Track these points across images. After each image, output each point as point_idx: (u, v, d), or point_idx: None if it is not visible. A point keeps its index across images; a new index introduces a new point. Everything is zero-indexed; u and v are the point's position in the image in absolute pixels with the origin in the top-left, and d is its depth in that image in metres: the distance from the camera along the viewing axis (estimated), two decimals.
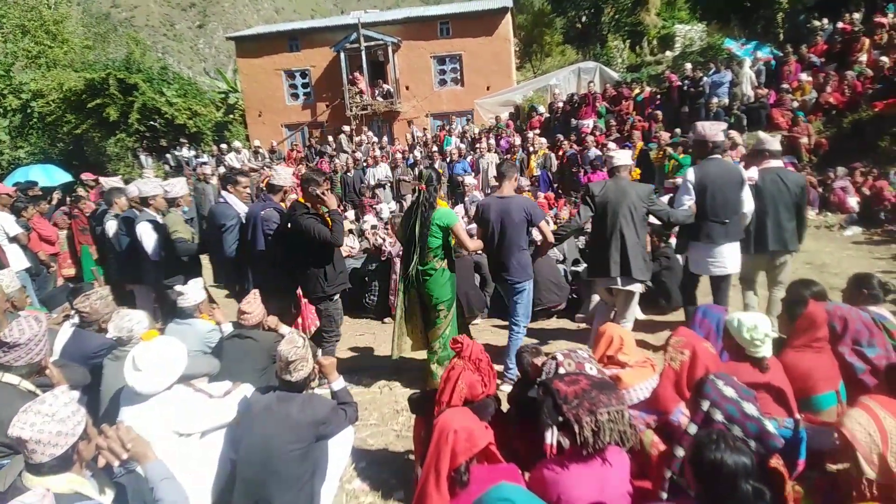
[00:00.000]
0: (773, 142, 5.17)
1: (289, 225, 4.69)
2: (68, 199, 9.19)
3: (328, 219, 4.56)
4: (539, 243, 5.08)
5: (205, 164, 15.90)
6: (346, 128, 17.81)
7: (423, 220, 4.45)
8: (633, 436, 2.38)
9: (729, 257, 4.86)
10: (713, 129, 4.97)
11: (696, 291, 5.27)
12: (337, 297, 4.87)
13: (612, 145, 10.66)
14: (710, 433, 2.10)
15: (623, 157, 4.98)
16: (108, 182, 7.25)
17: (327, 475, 3.01)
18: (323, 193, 4.53)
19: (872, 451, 2.12)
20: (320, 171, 5.31)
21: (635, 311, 5.06)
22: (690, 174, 4.88)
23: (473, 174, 12.71)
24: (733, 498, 1.95)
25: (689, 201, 4.83)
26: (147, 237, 5.40)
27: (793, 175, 5.22)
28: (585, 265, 6.27)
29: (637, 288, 4.78)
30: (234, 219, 4.99)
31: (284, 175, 5.20)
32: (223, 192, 5.14)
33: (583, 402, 2.34)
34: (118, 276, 6.22)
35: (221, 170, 14.36)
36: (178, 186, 5.63)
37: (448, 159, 13.40)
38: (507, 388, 4.26)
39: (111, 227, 6.16)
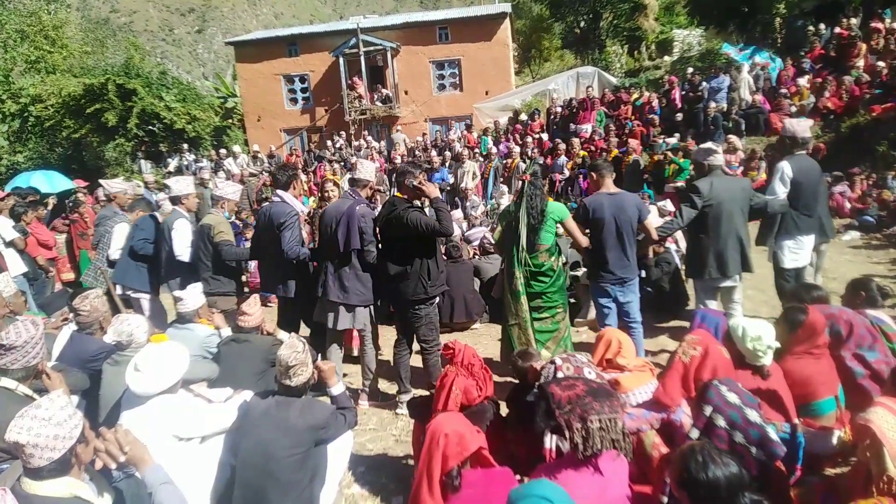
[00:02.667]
0: (804, 130, 5.12)
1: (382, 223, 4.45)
2: (68, 203, 9.18)
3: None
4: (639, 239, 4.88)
5: (203, 168, 15.92)
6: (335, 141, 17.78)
7: (532, 212, 4.36)
8: (626, 444, 2.36)
9: (808, 249, 5.03)
10: (802, 126, 5.01)
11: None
12: (437, 300, 4.55)
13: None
14: (693, 451, 2.05)
15: (720, 156, 4.87)
16: (109, 185, 7.05)
17: (326, 480, 3.00)
18: (420, 183, 4.36)
19: None
20: (415, 164, 5.15)
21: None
22: (788, 167, 4.85)
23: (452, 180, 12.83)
24: None
25: (783, 192, 4.85)
26: (181, 236, 5.13)
27: (814, 163, 5.24)
28: (584, 269, 6.26)
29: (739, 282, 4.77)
30: (294, 216, 4.68)
31: (369, 168, 4.80)
32: (278, 192, 4.80)
33: (575, 408, 2.34)
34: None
35: (222, 174, 14.34)
36: (183, 184, 5.43)
37: (429, 166, 13.43)
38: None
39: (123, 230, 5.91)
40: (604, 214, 4.49)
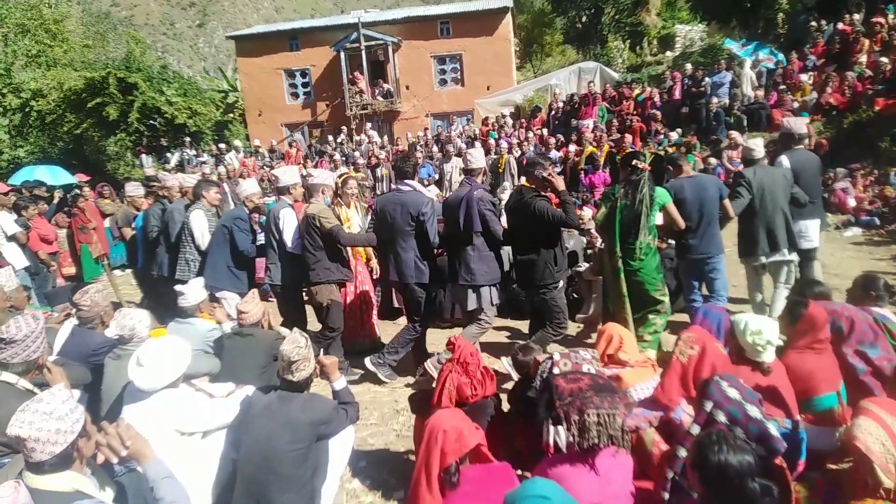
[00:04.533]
0: (800, 125, 5.67)
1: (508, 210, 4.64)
2: (69, 197, 9.19)
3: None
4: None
5: (204, 163, 15.91)
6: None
7: (649, 200, 4.52)
8: (625, 441, 2.37)
9: (813, 231, 5.42)
10: (798, 123, 5.57)
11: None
12: (562, 283, 4.82)
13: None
14: (710, 435, 2.09)
15: (762, 150, 5.32)
16: (186, 178, 6.61)
17: (328, 474, 3.00)
18: (550, 175, 4.52)
19: (888, 461, 2.11)
20: (545, 155, 5.30)
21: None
22: (786, 161, 5.34)
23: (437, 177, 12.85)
24: (741, 498, 1.94)
25: None
26: (291, 227, 4.99)
27: (812, 156, 5.76)
28: (586, 265, 6.25)
29: (795, 257, 5.21)
30: (433, 206, 4.77)
31: (480, 157, 4.97)
32: (406, 181, 4.82)
33: (575, 400, 2.36)
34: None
35: (221, 169, 14.31)
36: (290, 175, 5.30)
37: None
38: None
39: (199, 220, 5.45)
40: (686, 195, 4.86)
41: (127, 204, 7.47)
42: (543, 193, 4.61)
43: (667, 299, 4.74)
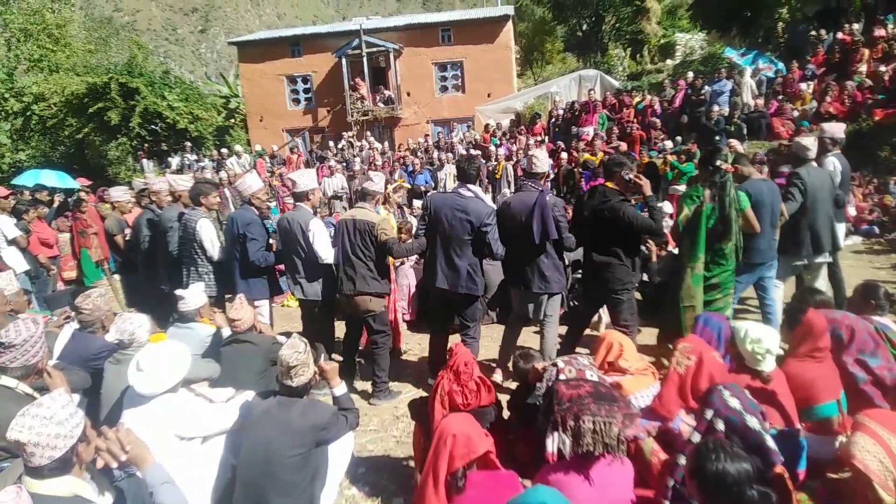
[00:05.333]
0: (838, 131, 5.76)
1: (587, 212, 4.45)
2: (70, 202, 9.20)
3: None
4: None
5: (204, 168, 15.94)
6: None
7: (733, 203, 4.41)
8: (621, 449, 2.35)
9: (841, 234, 5.55)
10: (836, 128, 5.73)
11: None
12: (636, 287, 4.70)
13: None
14: (707, 443, 2.09)
15: (815, 149, 5.28)
16: (175, 182, 5.84)
17: (327, 480, 2.99)
18: (637, 177, 4.33)
19: (888, 478, 2.11)
20: (629, 156, 5.15)
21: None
22: (837, 163, 5.50)
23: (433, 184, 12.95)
24: None
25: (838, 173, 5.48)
26: (323, 236, 4.69)
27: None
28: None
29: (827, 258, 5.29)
30: (494, 215, 4.49)
31: (545, 161, 4.69)
32: (468, 186, 4.52)
33: (572, 406, 2.36)
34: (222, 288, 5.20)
35: (223, 174, 14.35)
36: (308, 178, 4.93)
37: (409, 169, 13.62)
38: None
39: (208, 229, 5.00)
40: (764, 199, 4.77)
41: (112, 209, 7.02)
42: (628, 197, 4.40)
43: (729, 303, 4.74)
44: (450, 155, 13.91)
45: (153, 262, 5.77)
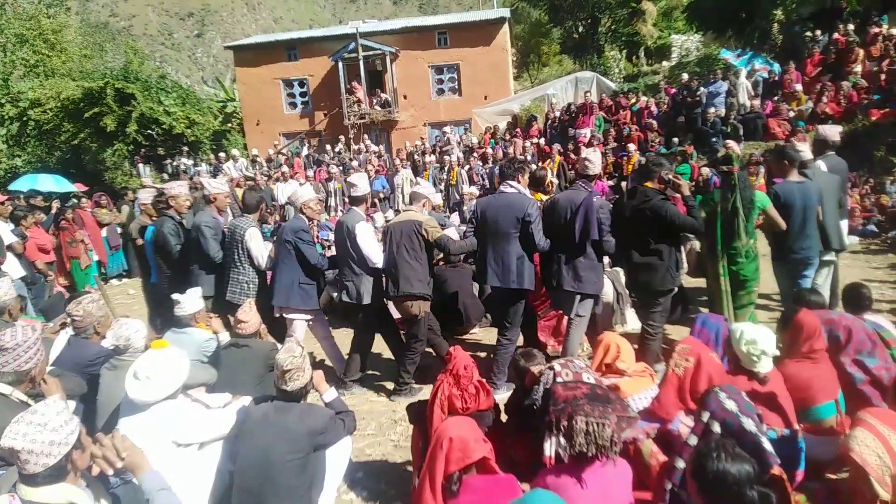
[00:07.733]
0: (834, 133, 5.81)
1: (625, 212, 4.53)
2: (59, 209, 9.13)
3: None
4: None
5: (201, 172, 15.92)
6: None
7: (746, 201, 4.51)
8: (614, 451, 2.33)
9: (844, 232, 5.55)
10: (832, 131, 5.78)
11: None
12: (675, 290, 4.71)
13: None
14: (708, 444, 2.09)
15: (838, 138, 5.60)
16: (210, 185, 5.63)
17: (325, 485, 2.98)
18: (676, 178, 4.44)
19: (885, 473, 2.11)
20: (668, 156, 5.21)
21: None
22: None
23: (390, 190, 13.11)
24: None
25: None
26: (371, 241, 4.72)
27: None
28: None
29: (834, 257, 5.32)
30: (538, 209, 4.59)
31: (597, 161, 4.78)
32: (510, 182, 4.64)
33: (567, 407, 2.36)
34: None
35: (220, 178, 14.34)
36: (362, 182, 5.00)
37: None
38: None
39: (256, 238, 4.92)
40: (794, 200, 4.79)
41: (140, 213, 6.50)
42: (669, 196, 4.48)
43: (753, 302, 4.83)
44: (407, 161, 14.11)
45: (184, 268, 5.32)
